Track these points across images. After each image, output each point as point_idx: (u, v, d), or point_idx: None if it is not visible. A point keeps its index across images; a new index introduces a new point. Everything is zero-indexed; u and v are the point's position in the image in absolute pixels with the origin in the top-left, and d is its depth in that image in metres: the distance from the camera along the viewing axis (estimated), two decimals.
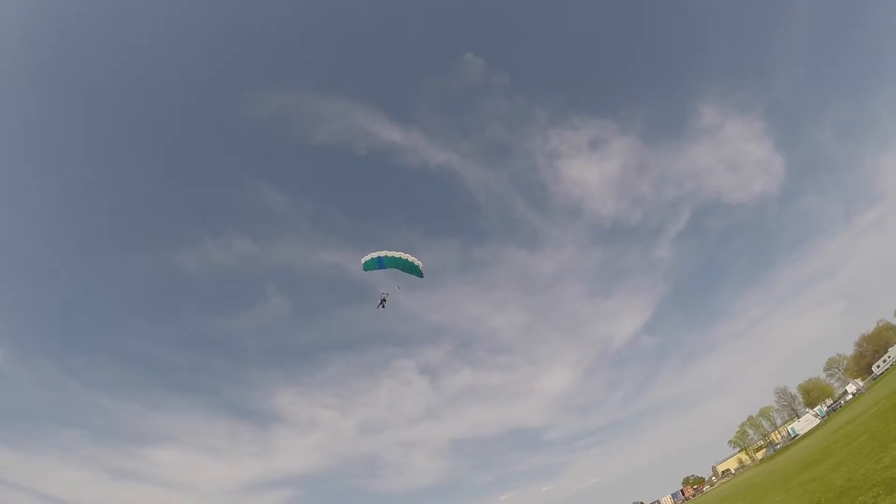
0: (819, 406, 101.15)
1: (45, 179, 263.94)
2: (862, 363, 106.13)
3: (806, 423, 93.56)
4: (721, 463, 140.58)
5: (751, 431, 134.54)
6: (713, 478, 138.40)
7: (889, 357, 78.44)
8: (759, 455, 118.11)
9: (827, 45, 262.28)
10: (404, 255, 32.42)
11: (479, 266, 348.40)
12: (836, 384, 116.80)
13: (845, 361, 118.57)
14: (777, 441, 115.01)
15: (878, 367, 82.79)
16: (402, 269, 33.37)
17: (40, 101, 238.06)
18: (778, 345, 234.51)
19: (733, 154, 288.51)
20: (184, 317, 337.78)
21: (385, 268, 32.98)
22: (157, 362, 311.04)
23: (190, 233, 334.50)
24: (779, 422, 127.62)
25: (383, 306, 35.14)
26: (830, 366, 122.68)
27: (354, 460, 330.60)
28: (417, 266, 33.14)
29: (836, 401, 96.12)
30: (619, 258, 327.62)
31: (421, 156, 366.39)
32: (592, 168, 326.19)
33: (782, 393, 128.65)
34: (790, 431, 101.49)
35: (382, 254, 32.28)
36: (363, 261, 32.61)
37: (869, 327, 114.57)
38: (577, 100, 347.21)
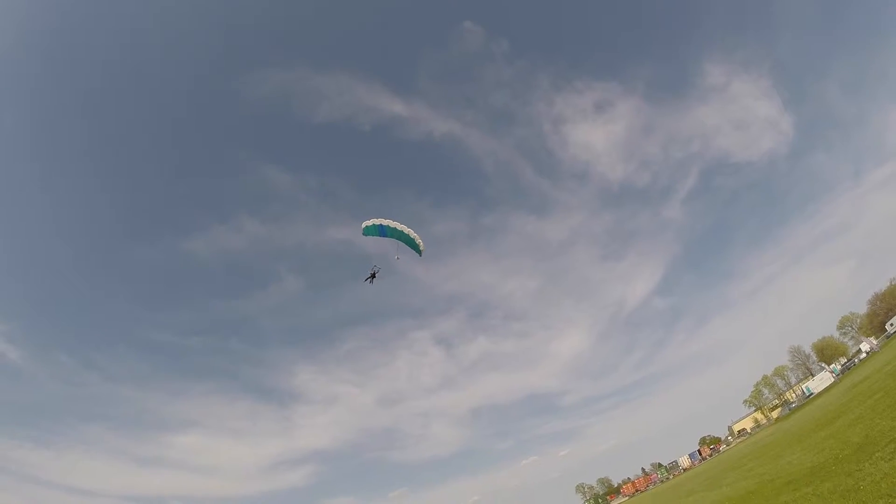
0: (833, 364, 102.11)
1: (50, 176, 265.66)
2: (875, 321, 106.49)
3: (820, 381, 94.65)
4: (737, 423, 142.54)
5: (765, 390, 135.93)
6: (729, 437, 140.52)
7: None
8: (775, 414, 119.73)
9: (831, 1, 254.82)
10: (406, 230, 31.53)
11: (488, 234, 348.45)
12: (850, 342, 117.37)
13: (858, 320, 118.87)
14: (792, 400, 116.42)
15: (892, 325, 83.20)
16: (402, 242, 32.31)
17: (40, 94, 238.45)
18: (790, 303, 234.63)
19: (740, 112, 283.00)
20: (198, 303, 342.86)
21: (385, 236, 31.93)
22: (174, 350, 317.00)
23: (198, 219, 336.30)
24: (793, 381, 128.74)
25: (371, 281, 33.85)
26: (844, 324, 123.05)
27: (375, 433, 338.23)
28: (417, 244, 32.20)
29: (850, 359, 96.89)
30: (628, 221, 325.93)
31: (424, 127, 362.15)
32: (598, 131, 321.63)
33: (796, 352, 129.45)
34: (805, 390, 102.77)
35: (385, 222, 31.23)
36: (363, 225, 31.39)
37: (882, 285, 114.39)
38: (580, 63, 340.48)
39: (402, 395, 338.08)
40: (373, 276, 33.45)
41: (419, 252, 32.83)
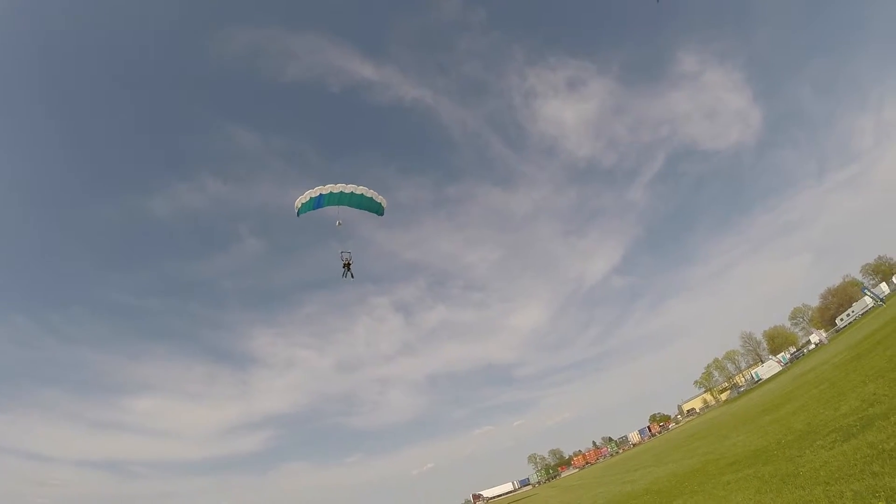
0: (782, 353, 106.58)
1: (3, 129, 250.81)
2: (826, 315, 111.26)
3: (769, 368, 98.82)
4: (687, 402, 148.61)
5: (716, 373, 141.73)
6: (679, 416, 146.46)
7: (853, 311, 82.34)
8: (724, 396, 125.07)
9: (812, 1, 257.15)
10: (360, 190, 26.86)
11: (453, 203, 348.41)
12: (800, 333, 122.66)
13: (810, 312, 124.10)
14: (741, 384, 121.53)
15: (842, 320, 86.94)
16: (354, 206, 27.69)
17: None
18: (746, 291, 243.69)
19: (711, 102, 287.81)
20: (157, 263, 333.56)
21: (322, 206, 27.22)
22: (133, 311, 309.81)
23: (159, 177, 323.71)
24: (743, 365, 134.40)
25: (351, 275, 29.41)
26: (795, 315, 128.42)
27: (333, 398, 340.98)
28: (378, 202, 27.76)
29: (799, 349, 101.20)
30: (593, 199, 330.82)
31: (395, 92, 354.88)
32: (569, 108, 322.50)
33: (748, 338, 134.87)
34: (753, 375, 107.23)
35: (325, 190, 26.26)
36: (296, 206, 26.80)
37: (835, 281, 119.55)
38: (556, 39, 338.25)
39: (361, 360, 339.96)
40: (347, 266, 29.02)
41: (381, 211, 28.44)
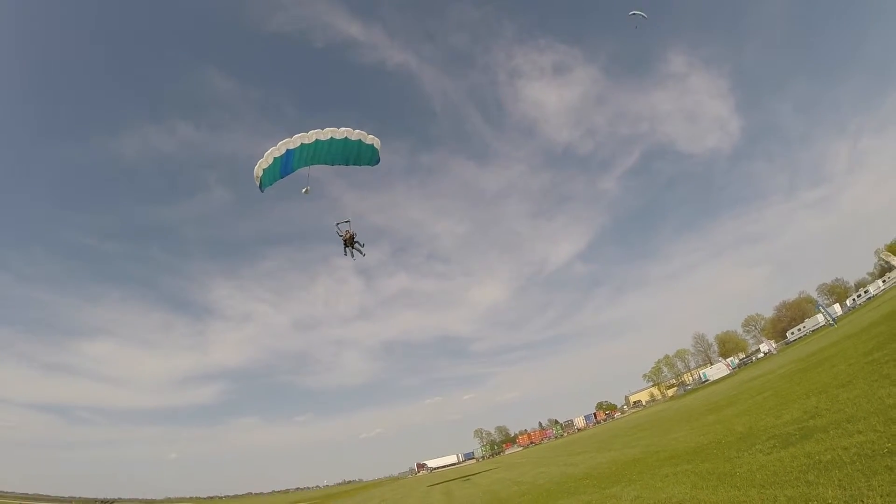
0: (732, 357, 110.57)
1: None
2: (778, 327, 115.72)
3: (717, 370, 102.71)
4: (634, 394, 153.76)
5: (665, 369, 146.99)
6: (625, 406, 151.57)
7: (804, 327, 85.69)
8: (670, 392, 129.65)
9: (806, 24, 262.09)
10: (340, 134, 20.41)
11: (425, 172, 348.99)
12: (751, 341, 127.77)
13: (763, 322, 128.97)
14: (688, 382, 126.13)
15: (793, 333, 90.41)
16: (334, 162, 21.49)
17: None
18: (703, 293, 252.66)
19: (693, 106, 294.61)
20: (121, 206, 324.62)
21: (294, 169, 20.94)
22: (92, 253, 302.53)
23: (129, 117, 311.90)
24: (692, 365, 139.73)
25: (361, 253, 23.34)
26: (748, 323, 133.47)
27: (287, 356, 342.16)
28: (370, 144, 21.49)
29: (749, 356, 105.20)
30: (565, 184, 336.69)
31: (380, 54, 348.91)
32: (552, 92, 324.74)
33: (700, 339, 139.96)
34: (701, 376, 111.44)
35: (294, 145, 19.86)
36: (257, 175, 20.54)
37: (790, 296, 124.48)
38: (547, 21, 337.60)
39: (318, 320, 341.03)
40: (350, 241, 22.85)
41: (375, 157, 22.42)
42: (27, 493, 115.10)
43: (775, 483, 9.56)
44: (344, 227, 23.13)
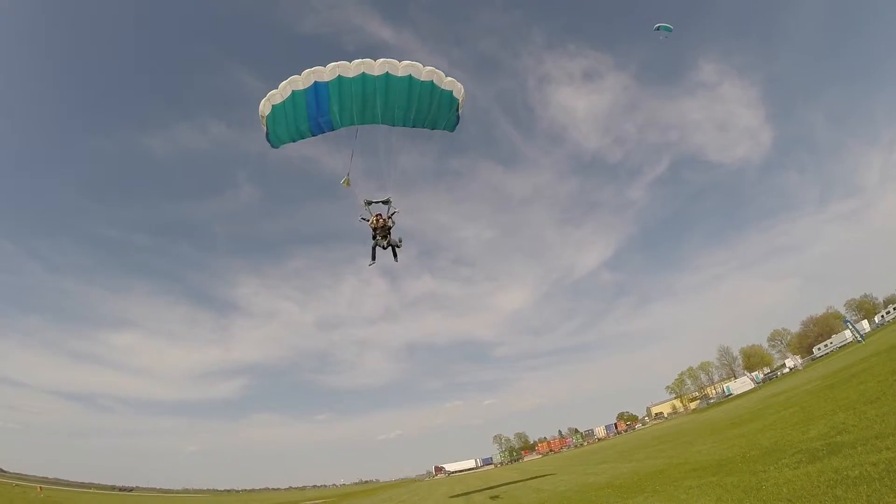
0: (756, 372, 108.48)
1: (7, 55, 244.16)
2: (804, 342, 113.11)
3: (741, 384, 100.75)
4: (656, 405, 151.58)
5: (688, 381, 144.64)
6: (646, 418, 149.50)
7: (831, 343, 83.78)
8: (693, 405, 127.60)
9: (841, 32, 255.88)
10: (402, 70, 13.64)
11: (453, 176, 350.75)
12: (776, 356, 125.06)
13: (789, 336, 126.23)
14: (711, 396, 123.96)
15: (819, 349, 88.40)
16: (391, 119, 14.99)
17: None
18: (730, 305, 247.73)
19: (724, 115, 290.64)
20: (151, 201, 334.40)
21: (331, 126, 14.94)
22: (121, 246, 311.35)
23: (161, 115, 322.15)
24: (716, 378, 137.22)
25: (393, 249, 17.20)
26: (774, 337, 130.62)
27: (310, 354, 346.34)
28: (449, 91, 15.05)
29: (774, 371, 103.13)
30: (593, 192, 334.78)
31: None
32: (582, 99, 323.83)
33: (724, 352, 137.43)
34: (725, 389, 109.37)
35: (328, 76, 13.46)
36: (262, 111, 14.66)
37: (817, 311, 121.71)
38: (578, 26, 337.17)
39: (342, 320, 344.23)
40: (384, 232, 16.83)
41: (454, 117, 16.18)
42: (47, 477, 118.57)
43: (802, 497, 9.66)
44: (378, 210, 16.48)
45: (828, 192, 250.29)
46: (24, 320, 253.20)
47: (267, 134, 15.45)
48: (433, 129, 16.14)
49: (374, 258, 16.68)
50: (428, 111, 15.29)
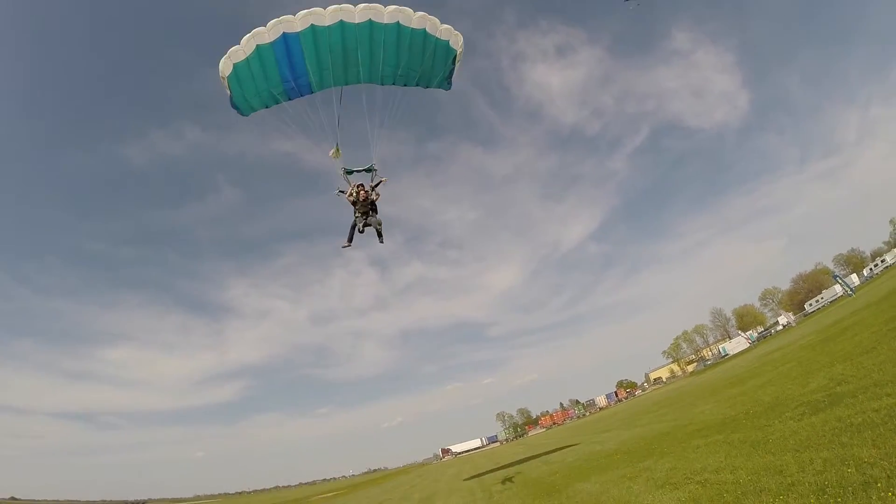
0: (750, 331, 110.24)
1: None
2: (795, 299, 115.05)
3: (736, 344, 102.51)
4: (654, 371, 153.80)
5: (684, 345, 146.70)
6: (645, 384, 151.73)
7: (822, 298, 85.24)
8: (690, 368, 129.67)
9: None
10: (390, 15, 12.15)
11: (433, 160, 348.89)
12: (769, 314, 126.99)
13: (780, 294, 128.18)
14: (707, 357, 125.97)
15: (811, 305, 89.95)
16: (378, 79, 13.31)
17: None
18: (718, 268, 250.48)
19: (700, 81, 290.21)
20: (133, 212, 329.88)
21: (309, 89, 12.99)
22: (106, 260, 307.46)
23: (136, 124, 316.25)
24: (711, 340, 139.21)
25: (375, 229, 14.41)
26: (766, 296, 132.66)
27: (305, 350, 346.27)
28: (446, 41, 13.24)
29: (767, 329, 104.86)
30: (574, 165, 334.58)
31: None
32: (556, 74, 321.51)
33: (717, 314, 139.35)
34: (721, 350, 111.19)
35: (300, 25, 11.73)
36: (223, 71, 12.59)
37: (806, 268, 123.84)
38: (549, 3, 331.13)
39: (335, 313, 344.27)
40: (366, 208, 14.22)
41: (447, 72, 14.38)
42: (59, 500, 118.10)
43: (809, 447, 10.04)
44: (359, 182, 14.18)
45: (807, 152, 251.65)
46: (16, 345, 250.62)
47: (231, 98, 13.27)
48: (427, 87, 14.35)
49: (350, 240, 14.29)
50: (420, 65, 13.35)
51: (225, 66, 12.49)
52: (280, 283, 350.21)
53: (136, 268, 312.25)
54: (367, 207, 14.17)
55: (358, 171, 14.37)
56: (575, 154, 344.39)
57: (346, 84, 13.25)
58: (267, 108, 13.61)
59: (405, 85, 13.89)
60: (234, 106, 13.60)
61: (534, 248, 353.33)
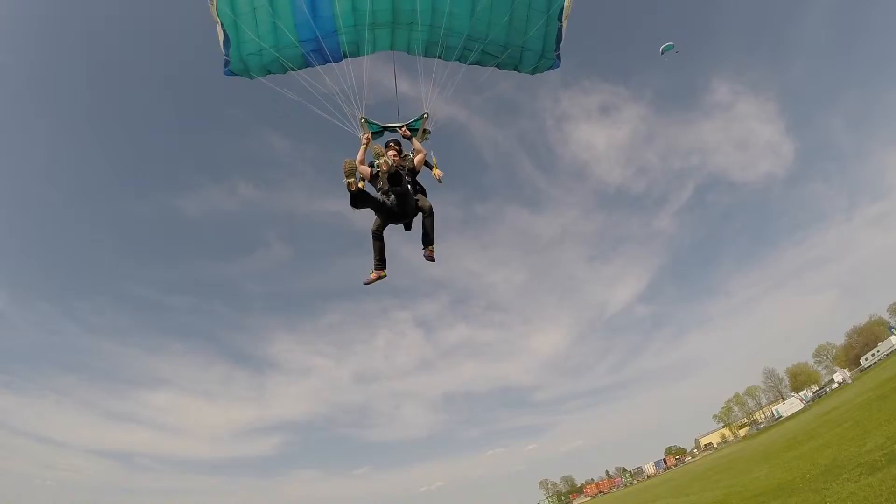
0: (804, 391, 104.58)
1: (47, 121, 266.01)
2: (851, 354, 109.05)
3: (790, 405, 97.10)
4: (704, 436, 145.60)
5: (736, 408, 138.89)
6: (695, 450, 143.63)
7: (878, 352, 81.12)
8: (742, 432, 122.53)
9: (847, 35, 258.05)
10: None
11: (480, 222, 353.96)
12: (823, 371, 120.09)
13: (834, 350, 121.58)
14: (760, 420, 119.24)
15: (867, 359, 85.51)
16: (442, 53, 9.73)
17: (42, 37, 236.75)
18: (769, 326, 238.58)
19: (743, 133, 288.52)
20: (184, 262, 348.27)
21: (342, 53, 10.12)
22: (156, 306, 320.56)
23: (193, 178, 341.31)
24: (764, 402, 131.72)
25: (405, 224, 10.03)
26: (819, 353, 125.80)
27: (347, 409, 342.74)
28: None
29: (822, 388, 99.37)
30: (619, 225, 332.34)
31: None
32: (601, 133, 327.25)
33: (770, 374, 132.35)
34: (774, 412, 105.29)
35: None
36: (218, 14, 9.19)
37: (860, 320, 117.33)
38: (590, 62, 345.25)
39: (378, 373, 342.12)
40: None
41: (551, 48, 9.84)
42: None
43: None
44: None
45: (855, 198, 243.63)
46: (60, 380, 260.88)
47: (226, 52, 9.71)
48: (515, 68, 9.87)
49: (380, 262, 9.69)
50: (508, 29, 9.03)
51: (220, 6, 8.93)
52: (324, 341, 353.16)
53: (184, 316, 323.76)
54: (398, 180, 8.48)
55: (391, 129, 10.22)
56: (621, 213, 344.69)
57: (393, 49, 9.89)
58: (269, 72, 10.40)
59: (480, 63, 9.76)
60: (227, 61, 10.11)
61: (580, 311, 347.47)
